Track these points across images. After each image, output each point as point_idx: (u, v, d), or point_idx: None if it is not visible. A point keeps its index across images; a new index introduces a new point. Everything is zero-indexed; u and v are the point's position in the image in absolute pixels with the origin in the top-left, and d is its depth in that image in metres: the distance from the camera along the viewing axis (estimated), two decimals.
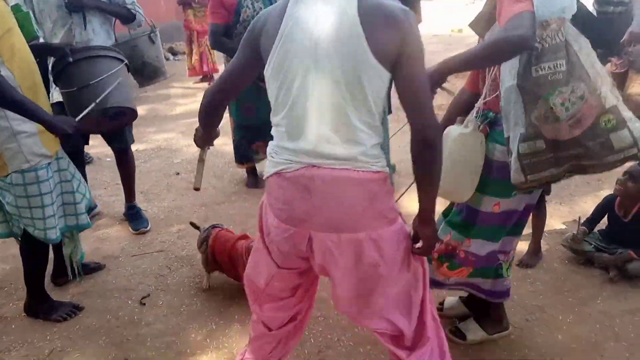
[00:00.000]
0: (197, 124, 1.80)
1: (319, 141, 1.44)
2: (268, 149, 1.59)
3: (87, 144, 3.38)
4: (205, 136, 1.83)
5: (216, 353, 2.33)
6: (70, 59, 2.51)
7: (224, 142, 4.99)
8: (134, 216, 3.50)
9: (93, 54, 2.60)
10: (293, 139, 1.48)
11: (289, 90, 1.45)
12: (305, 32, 1.40)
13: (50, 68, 2.72)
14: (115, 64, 2.64)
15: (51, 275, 2.83)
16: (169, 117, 6.43)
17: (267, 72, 1.50)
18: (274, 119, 1.54)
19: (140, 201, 3.68)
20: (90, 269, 2.96)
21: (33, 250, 2.50)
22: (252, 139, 3.84)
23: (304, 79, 1.42)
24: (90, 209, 3.46)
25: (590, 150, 1.70)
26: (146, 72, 3.11)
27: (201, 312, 2.61)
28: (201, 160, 1.94)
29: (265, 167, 1.59)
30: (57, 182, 2.44)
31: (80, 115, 2.35)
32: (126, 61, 2.73)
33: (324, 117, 1.43)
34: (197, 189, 1.94)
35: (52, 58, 2.68)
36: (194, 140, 1.88)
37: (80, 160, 3.27)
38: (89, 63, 2.57)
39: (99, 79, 2.50)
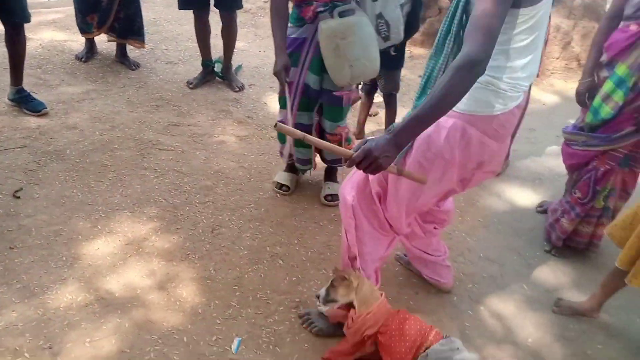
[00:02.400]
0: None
1: None
2: (501, 85, 1.60)
3: None
4: None
5: (110, 237, 2.39)
6: None
7: (69, 38, 4.62)
8: (27, 99, 3.32)
9: None
10: (532, 72, 1.66)
11: (540, 26, 1.57)
12: None
13: None
14: None
15: None
16: None
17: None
18: (521, 61, 1.58)
19: None
20: None
21: None
22: (87, 11, 3.94)
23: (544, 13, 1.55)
24: None
25: None
26: None
27: (84, 202, 2.60)
28: None
29: (495, 105, 1.64)
30: None
31: None
32: None
33: None
34: None
35: None
36: None
37: None
38: None
39: None
